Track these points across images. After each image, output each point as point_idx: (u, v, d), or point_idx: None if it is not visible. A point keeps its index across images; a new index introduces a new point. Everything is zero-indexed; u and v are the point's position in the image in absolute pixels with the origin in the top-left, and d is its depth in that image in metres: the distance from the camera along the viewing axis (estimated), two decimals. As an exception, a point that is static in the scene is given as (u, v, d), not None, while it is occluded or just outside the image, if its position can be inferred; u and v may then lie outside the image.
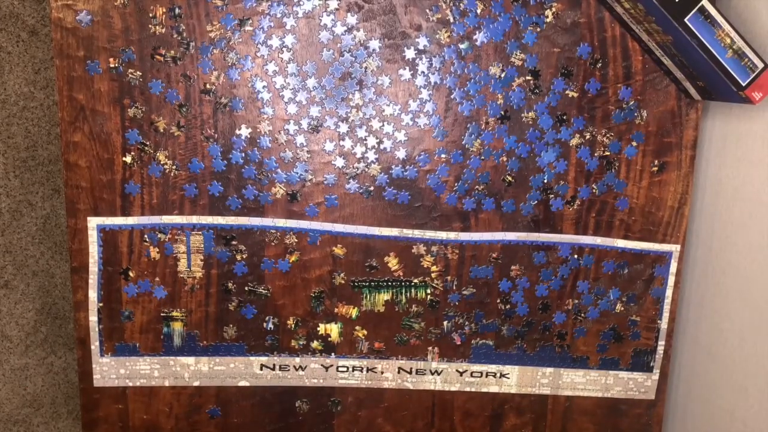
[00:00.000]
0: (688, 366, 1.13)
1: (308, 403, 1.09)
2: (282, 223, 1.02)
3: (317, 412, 1.10)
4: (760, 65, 0.86)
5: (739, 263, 1.00)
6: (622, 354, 1.11)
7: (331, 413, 1.11)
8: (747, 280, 0.98)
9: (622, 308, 1.09)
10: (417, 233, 1.03)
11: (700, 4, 0.84)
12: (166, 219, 1.00)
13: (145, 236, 1.01)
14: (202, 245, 1.02)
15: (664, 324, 1.10)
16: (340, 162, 1.00)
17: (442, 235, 1.04)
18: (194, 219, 1.01)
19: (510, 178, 1.03)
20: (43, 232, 1.36)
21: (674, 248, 1.07)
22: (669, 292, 1.09)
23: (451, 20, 0.97)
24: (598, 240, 1.06)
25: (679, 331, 1.13)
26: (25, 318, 1.36)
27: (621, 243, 1.06)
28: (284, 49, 0.96)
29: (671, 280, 1.08)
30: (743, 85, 0.86)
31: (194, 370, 1.07)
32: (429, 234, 1.03)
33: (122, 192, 0.99)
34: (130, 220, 1.00)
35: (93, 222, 1.00)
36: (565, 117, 1.01)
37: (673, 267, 1.08)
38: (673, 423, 1.16)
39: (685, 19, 0.85)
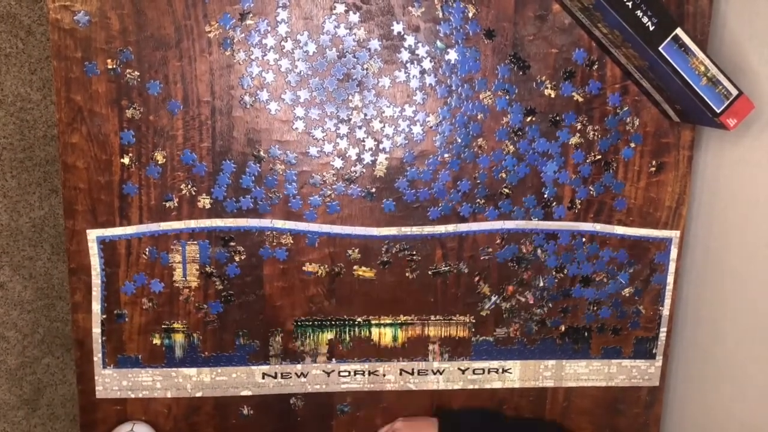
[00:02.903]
0: (686, 365, 1.13)
1: (302, 399, 1.09)
2: (280, 224, 1.02)
3: (315, 413, 1.10)
4: (735, 92, 0.86)
5: (736, 264, 1.01)
6: (624, 342, 1.11)
7: (329, 414, 1.11)
8: (744, 281, 0.98)
9: (628, 294, 1.09)
10: (416, 230, 1.03)
11: (674, 33, 0.84)
12: (165, 225, 1.00)
13: (145, 250, 1.01)
14: (198, 255, 1.02)
15: (666, 311, 1.10)
16: (338, 163, 1.00)
17: (441, 229, 1.04)
18: (192, 223, 1.01)
19: (507, 190, 1.03)
20: (40, 233, 1.36)
21: (674, 234, 1.07)
22: (670, 279, 1.09)
23: (451, 20, 0.97)
24: (598, 227, 1.06)
25: (677, 331, 1.14)
26: (22, 319, 1.35)
27: (620, 230, 1.06)
28: (282, 49, 0.96)
29: (672, 266, 1.09)
30: (717, 112, 0.86)
31: (196, 381, 1.06)
32: (427, 230, 1.04)
33: (120, 193, 0.99)
34: (129, 230, 1.00)
35: (93, 234, 0.99)
36: (558, 118, 1.02)
37: (674, 253, 1.08)
38: (671, 420, 1.16)
39: (660, 48, 0.85)
